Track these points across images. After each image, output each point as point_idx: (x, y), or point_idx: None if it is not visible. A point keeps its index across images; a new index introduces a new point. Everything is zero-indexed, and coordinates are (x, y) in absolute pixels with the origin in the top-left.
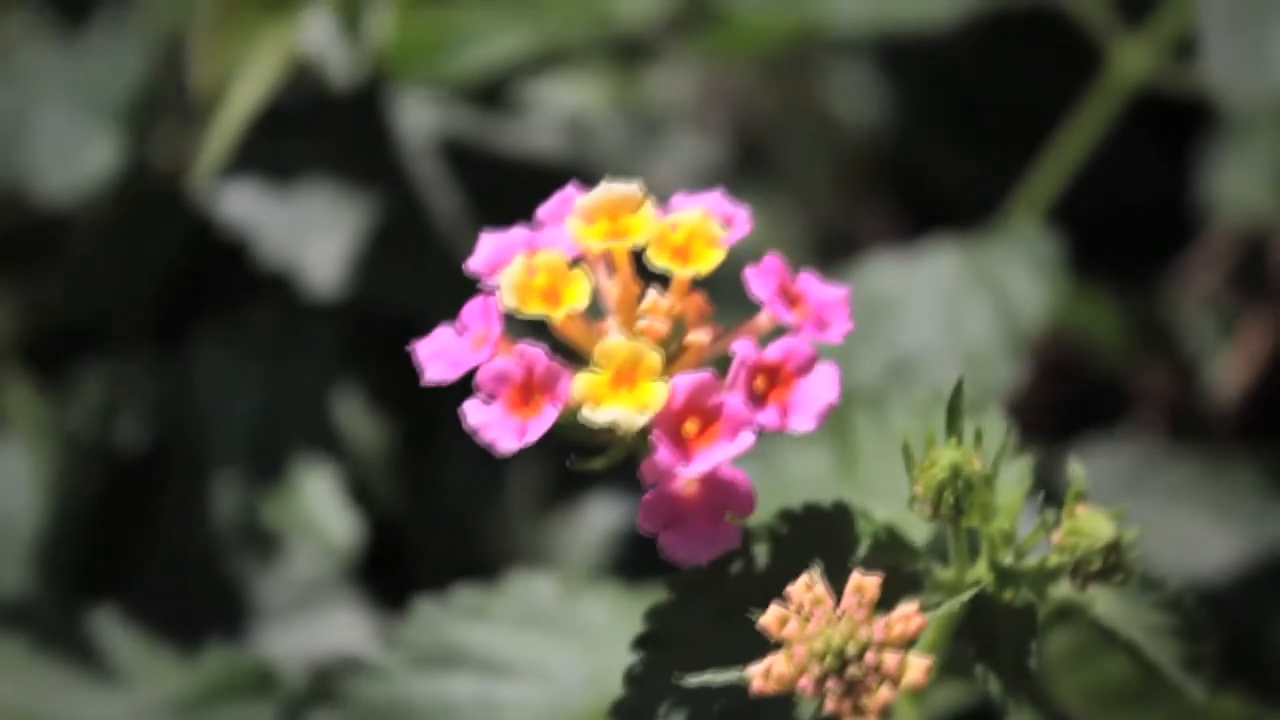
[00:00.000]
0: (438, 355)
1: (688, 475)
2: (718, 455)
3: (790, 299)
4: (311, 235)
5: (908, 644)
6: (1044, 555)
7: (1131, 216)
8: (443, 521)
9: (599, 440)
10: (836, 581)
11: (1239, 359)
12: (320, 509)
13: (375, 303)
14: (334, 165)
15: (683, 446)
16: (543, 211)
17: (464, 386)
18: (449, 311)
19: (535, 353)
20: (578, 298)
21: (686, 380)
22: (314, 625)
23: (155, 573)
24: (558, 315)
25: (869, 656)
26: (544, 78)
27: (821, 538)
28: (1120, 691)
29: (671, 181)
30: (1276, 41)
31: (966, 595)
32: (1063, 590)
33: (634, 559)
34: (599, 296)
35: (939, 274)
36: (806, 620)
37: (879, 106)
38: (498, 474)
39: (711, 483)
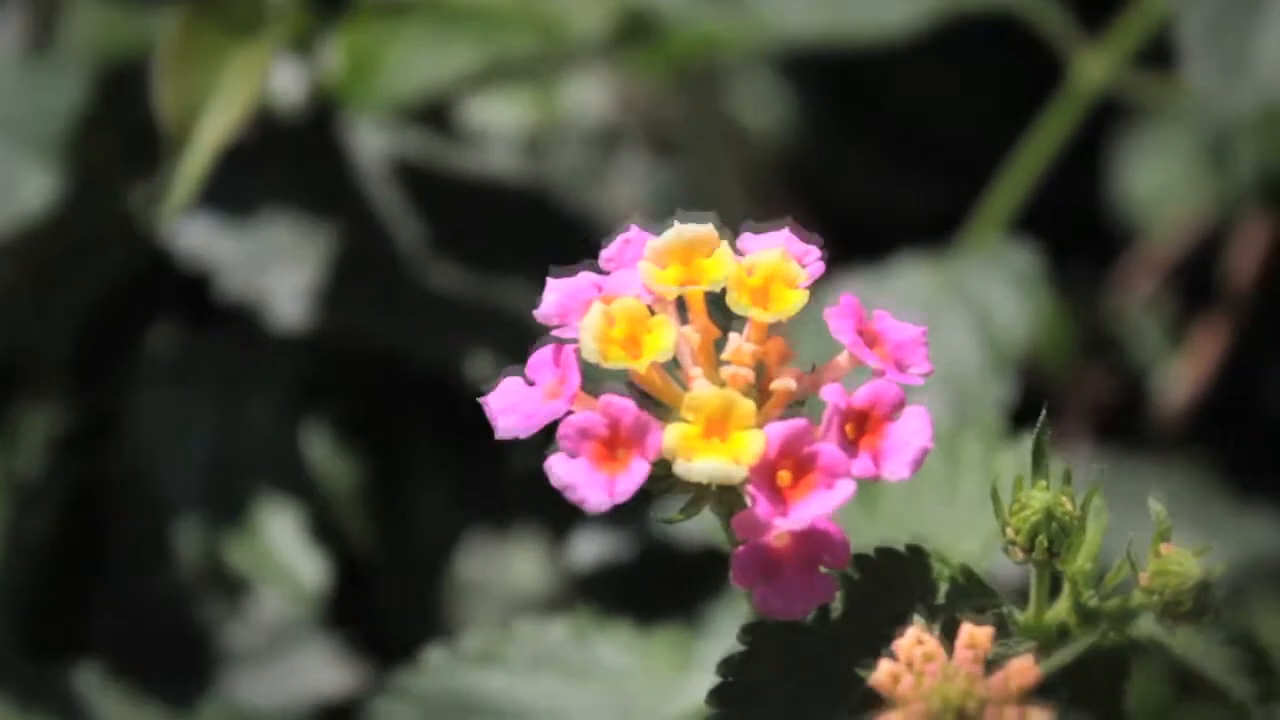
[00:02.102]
0: (510, 409)
1: (787, 528)
2: (818, 507)
3: (869, 339)
4: (274, 266)
5: (1025, 697)
6: (1126, 594)
7: (1068, 220)
8: (415, 560)
9: (676, 491)
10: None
11: (1188, 365)
12: (286, 551)
13: (341, 334)
14: (291, 194)
15: (778, 498)
16: (606, 255)
17: (430, 419)
18: (417, 341)
19: (623, 404)
20: (661, 346)
21: (780, 429)
22: (286, 670)
23: (115, 620)
24: (641, 365)
25: (989, 713)
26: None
27: (898, 582)
28: None
29: (631, 203)
30: (1257, 49)
31: (1081, 645)
32: (1142, 629)
33: (621, 594)
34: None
35: (911, 293)
36: (919, 676)
37: (785, 116)
38: (471, 510)
39: (805, 534)
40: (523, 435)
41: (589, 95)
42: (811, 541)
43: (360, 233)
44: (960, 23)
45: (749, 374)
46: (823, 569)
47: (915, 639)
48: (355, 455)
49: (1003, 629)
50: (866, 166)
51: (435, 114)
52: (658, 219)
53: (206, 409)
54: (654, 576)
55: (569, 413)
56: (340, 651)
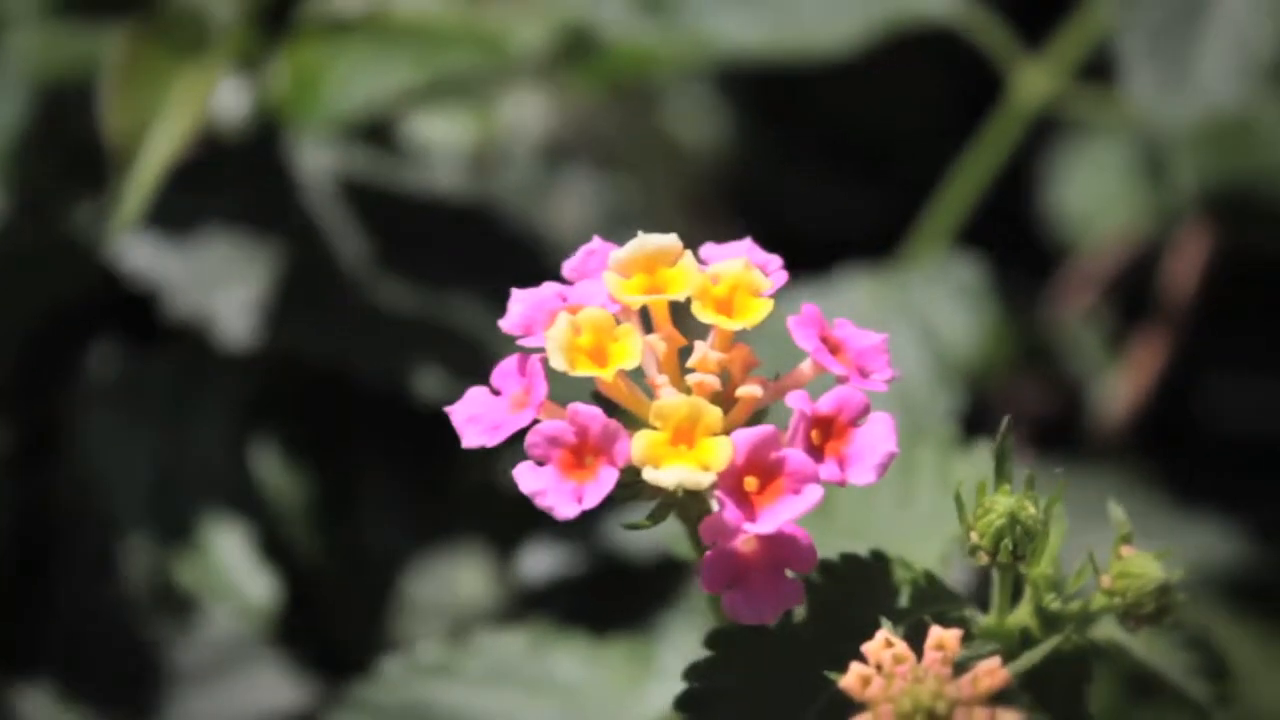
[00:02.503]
0: (475, 419)
1: (754, 533)
2: (786, 512)
3: (832, 347)
4: (220, 285)
5: (993, 698)
6: (1086, 598)
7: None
8: (363, 576)
9: (642, 498)
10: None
11: (1127, 377)
12: (234, 568)
13: (288, 351)
14: (237, 213)
15: (746, 504)
16: (569, 267)
17: (378, 436)
18: (364, 358)
19: (591, 412)
20: (628, 355)
21: (748, 435)
22: (236, 687)
23: (63, 639)
24: (607, 374)
25: (959, 714)
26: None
27: (860, 588)
28: None
29: (576, 219)
30: (1198, 62)
31: (1047, 647)
32: (1101, 631)
33: (572, 606)
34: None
35: (856, 306)
36: (889, 678)
37: (720, 130)
38: (419, 525)
39: (772, 540)
40: (489, 445)
41: (527, 112)
42: (779, 547)
43: (306, 250)
44: (897, 37)
45: (715, 382)
46: (789, 574)
47: (884, 642)
48: (304, 472)
49: (965, 633)
50: (802, 180)
51: (379, 132)
52: (605, 235)
53: (151, 427)
54: (604, 588)
55: (535, 422)
56: (290, 668)
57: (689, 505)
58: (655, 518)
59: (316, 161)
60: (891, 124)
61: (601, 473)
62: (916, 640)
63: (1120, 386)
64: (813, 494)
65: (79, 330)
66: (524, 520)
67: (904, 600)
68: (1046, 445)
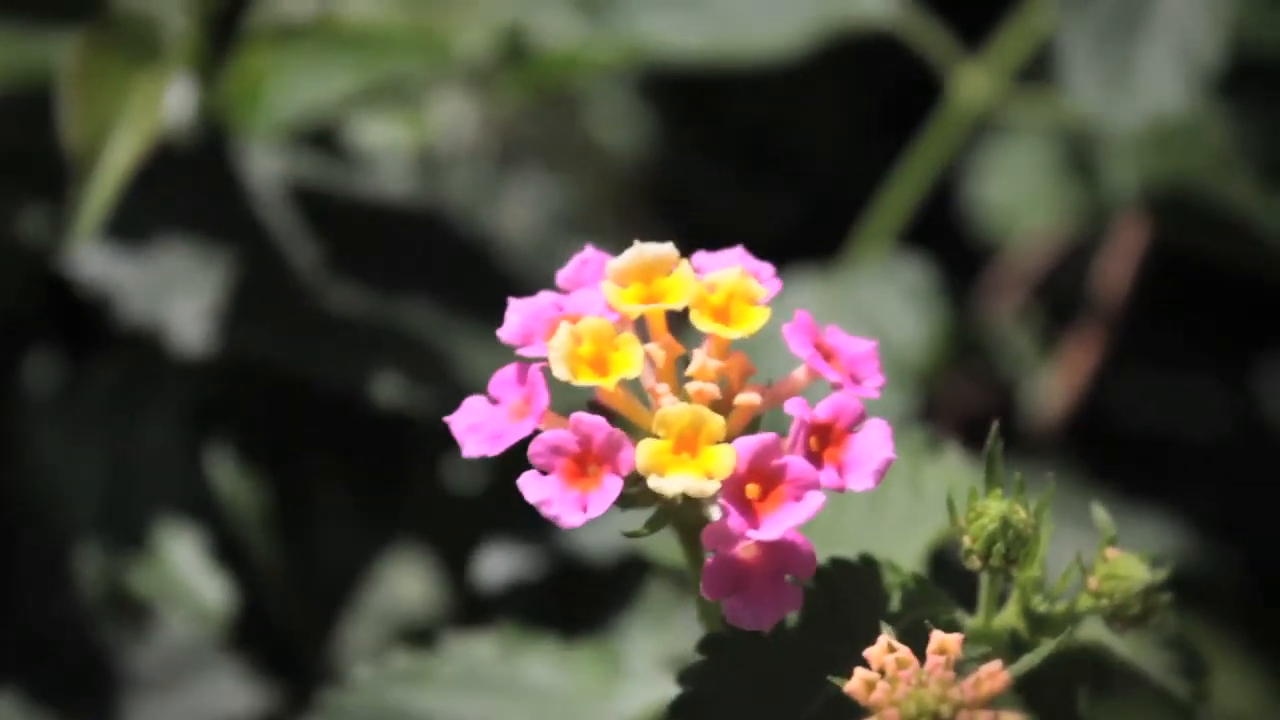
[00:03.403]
0: (475, 429)
1: (758, 540)
2: (789, 519)
3: (825, 354)
4: (173, 291)
5: (994, 701)
6: (1072, 599)
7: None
8: (318, 581)
9: (639, 505)
10: (873, 637)
11: (1059, 376)
12: (188, 574)
13: (242, 357)
14: (188, 219)
15: (749, 511)
16: (564, 276)
17: (333, 442)
18: (319, 364)
19: (595, 422)
20: (629, 365)
21: (750, 443)
22: (193, 693)
23: (17, 645)
24: (609, 383)
25: (963, 716)
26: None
27: (852, 593)
28: None
29: (526, 223)
30: (1139, 64)
31: (1046, 649)
32: (1085, 632)
33: (531, 611)
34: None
35: (803, 308)
36: (894, 682)
37: (643, 133)
38: (375, 531)
39: (774, 546)
40: (491, 454)
41: (456, 116)
42: (780, 553)
43: (258, 256)
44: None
45: (715, 390)
46: (789, 580)
47: (886, 646)
48: (259, 478)
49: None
50: (725, 183)
51: (327, 137)
52: (551, 239)
53: (100, 434)
54: (563, 591)
55: (536, 431)
56: (246, 674)
57: (686, 513)
58: (654, 525)
59: (265, 167)
60: (814, 127)
61: (606, 481)
62: (909, 643)
63: (1053, 385)
64: (814, 500)
65: (21, 339)
66: (478, 526)
67: (895, 604)
68: (980, 444)
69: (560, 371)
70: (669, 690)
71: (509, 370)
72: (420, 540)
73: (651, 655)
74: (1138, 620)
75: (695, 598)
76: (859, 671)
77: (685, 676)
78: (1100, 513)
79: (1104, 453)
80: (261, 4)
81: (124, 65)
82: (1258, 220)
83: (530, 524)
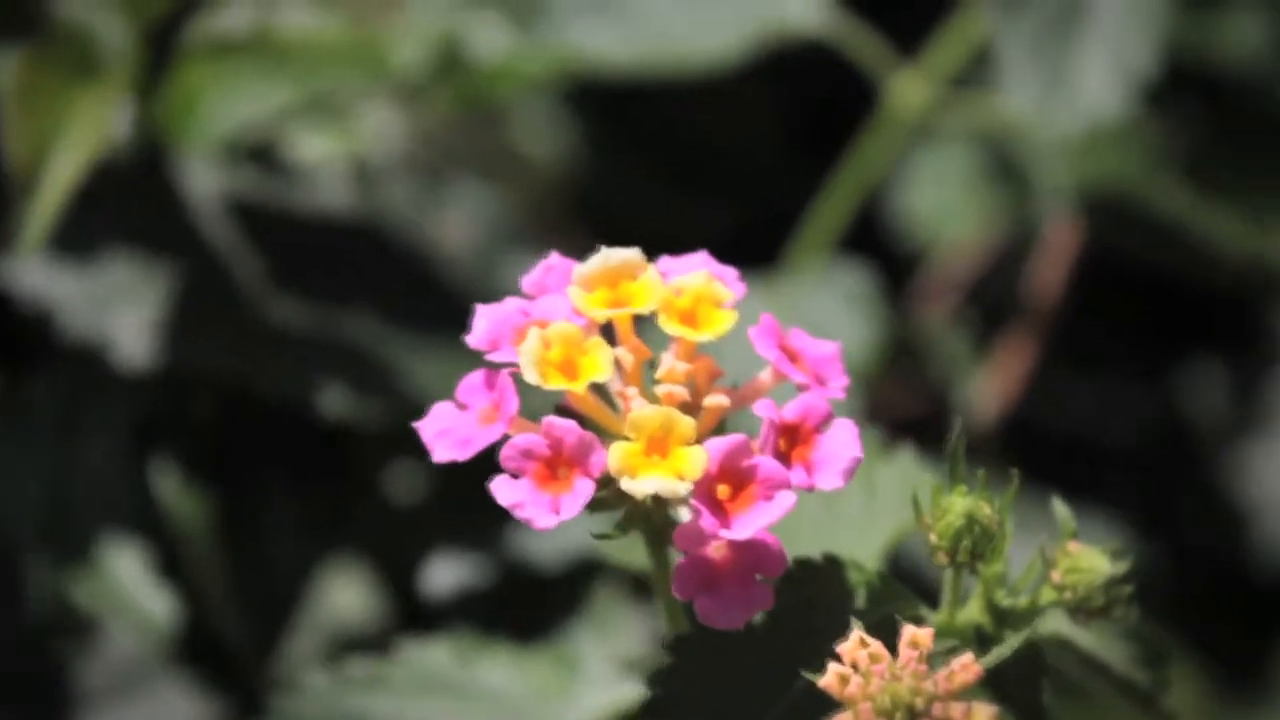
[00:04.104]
0: (443, 434)
1: (731, 539)
2: (761, 518)
3: (789, 356)
4: (117, 306)
5: (965, 693)
6: (1034, 593)
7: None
8: (266, 594)
9: (606, 508)
10: (839, 634)
11: (994, 380)
12: (133, 588)
13: (187, 371)
14: (129, 234)
15: (720, 511)
16: (529, 281)
17: (280, 455)
18: (264, 377)
19: (566, 426)
20: (598, 369)
21: (720, 444)
22: (141, 707)
23: None
24: (578, 387)
25: (936, 709)
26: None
27: (817, 591)
28: None
29: (465, 235)
30: (1077, 69)
31: (1016, 641)
32: (1049, 626)
33: (480, 619)
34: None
35: (745, 314)
36: (867, 677)
37: (566, 145)
38: (322, 544)
39: (743, 546)
40: (460, 459)
41: (382, 128)
42: (751, 552)
43: (199, 270)
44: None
45: (684, 392)
46: (760, 579)
47: (859, 641)
48: (205, 491)
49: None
50: (649, 193)
51: (264, 151)
52: (490, 250)
53: (42, 449)
54: (510, 598)
55: (506, 436)
56: (194, 687)
57: (655, 515)
58: (624, 527)
59: (204, 182)
60: (743, 137)
61: (577, 484)
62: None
63: (986, 389)
64: (785, 500)
65: None
66: (420, 535)
67: (860, 601)
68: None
69: (531, 376)
70: (625, 693)
71: (476, 376)
72: (362, 551)
73: (603, 660)
74: (1101, 612)
75: (660, 600)
76: (832, 666)
77: (654, 677)
78: (1060, 507)
79: (1034, 454)
80: (198, 19)
81: (66, 81)
82: (1189, 224)
83: (474, 533)
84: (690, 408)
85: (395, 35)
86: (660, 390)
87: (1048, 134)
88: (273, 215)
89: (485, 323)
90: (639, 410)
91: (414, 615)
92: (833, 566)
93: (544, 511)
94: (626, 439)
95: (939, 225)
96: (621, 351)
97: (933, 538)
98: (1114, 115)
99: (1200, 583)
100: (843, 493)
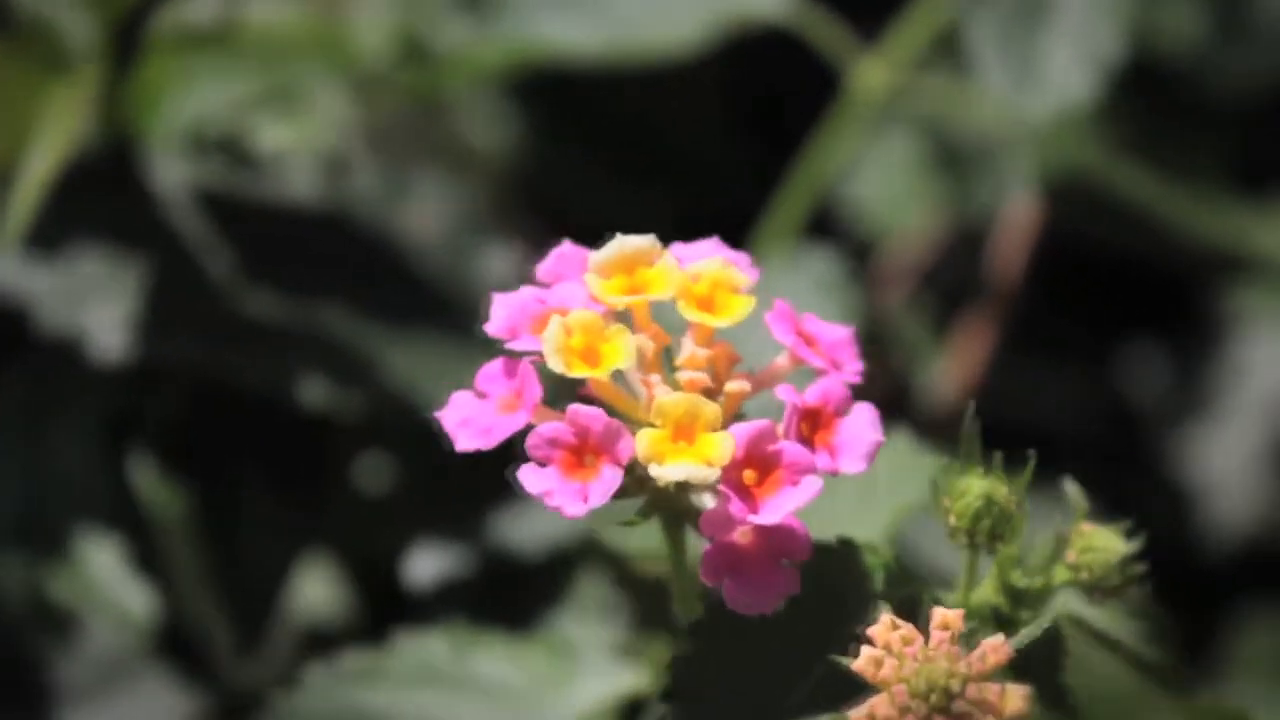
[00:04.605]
0: (465, 423)
1: (760, 524)
2: (789, 503)
3: (806, 341)
4: (90, 300)
5: (998, 674)
6: (1047, 573)
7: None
8: (244, 587)
9: (629, 495)
10: (860, 617)
11: (954, 363)
12: (110, 582)
13: (163, 364)
14: (101, 228)
15: (748, 496)
16: (542, 270)
17: (258, 448)
18: (240, 369)
19: (592, 413)
20: (620, 356)
21: (746, 429)
22: (121, 702)
23: None
24: (602, 374)
25: (970, 690)
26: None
27: (834, 575)
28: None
29: (430, 224)
30: (1046, 56)
31: (1045, 621)
32: (1063, 605)
33: (463, 607)
34: None
35: None
36: (901, 659)
37: (512, 134)
38: (299, 537)
39: (769, 531)
40: (484, 449)
41: (329, 118)
42: (777, 537)
43: (171, 263)
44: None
45: (706, 378)
46: (786, 563)
47: (890, 624)
48: (182, 485)
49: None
50: (597, 183)
51: (230, 142)
52: (456, 239)
53: (14, 445)
54: (492, 588)
55: (529, 425)
56: (174, 681)
57: (677, 501)
58: (646, 514)
59: (172, 174)
60: (691, 125)
61: (605, 471)
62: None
63: (946, 374)
64: (812, 485)
65: None
66: (394, 527)
67: (878, 584)
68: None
69: (554, 363)
70: (624, 680)
71: (495, 364)
72: (337, 544)
73: (597, 647)
74: (1116, 591)
75: (676, 585)
76: (865, 650)
77: (675, 662)
78: (1072, 486)
79: (1001, 443)
80: (165, 11)
81: (38, 75)
82: (1153, 207)
83: (453, 523)
84: (711, 394)
85: (359, 25)
86: (682, 376)
87: (1019, 121)
88: (241, 207)
89: (503, 311)
90: (665, 396)
91: (393, 607)
92: (848, 549)
93: (573, 499)
94: (648, 425)
95: (889, 213)
96: (642, 338)
97: (951, 519)
98: (1083, 102)
99: (1147, 565)
100: (838, 478)
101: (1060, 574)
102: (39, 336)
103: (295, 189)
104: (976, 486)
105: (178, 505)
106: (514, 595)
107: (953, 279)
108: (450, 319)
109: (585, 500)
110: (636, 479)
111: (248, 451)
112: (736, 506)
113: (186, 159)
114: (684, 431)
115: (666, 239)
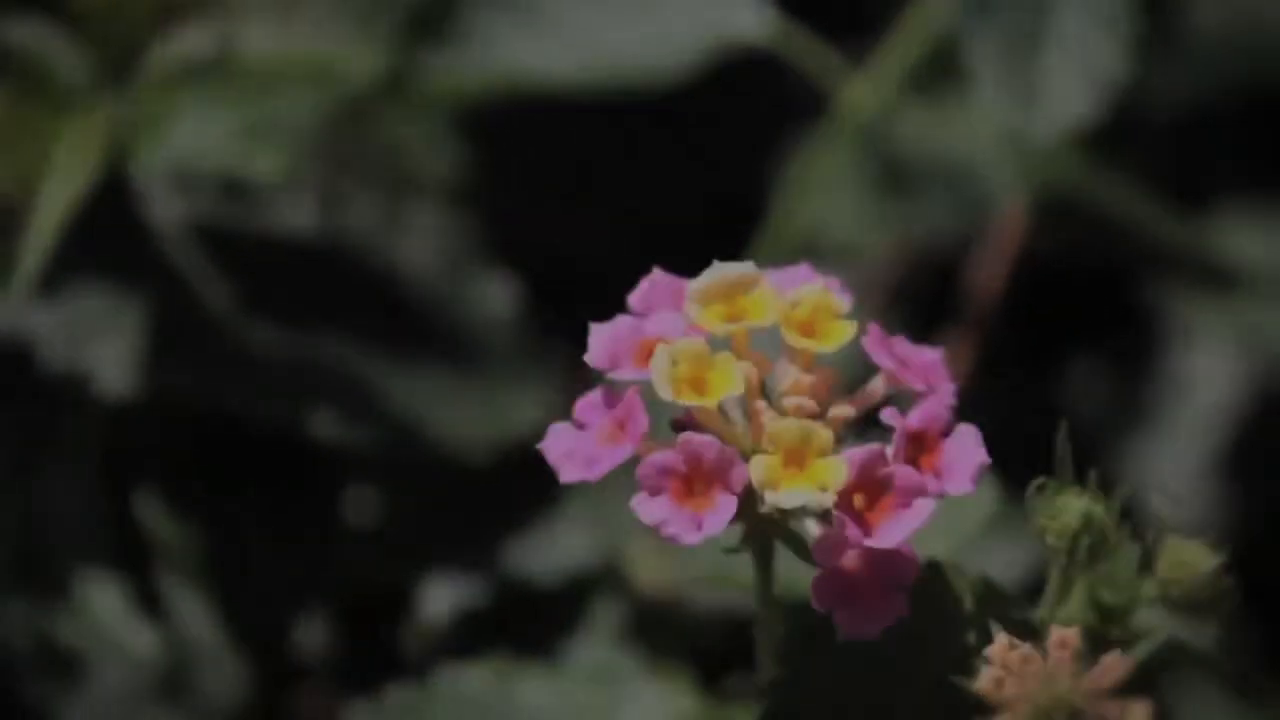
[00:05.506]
0: (569, 455)
1: (877, 548)
2: (905, 526)
3: (901, 364)
4: (94, 337)
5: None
6: (1135, 589)
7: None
8: (251, 625)
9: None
10: (952, 639)
11: None
12: (115, 622)
13: (168, 399)
14: (100, 264)
15: (861, 521)
16: (636, 299)
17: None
18: (245, 402)
19: (704, 441)
20: (729, 384)
21: (858, 454)
22: None
23: None
24: (711, 402)
25: (1094, 707)
26: None
27: (923, 596)
28: None
29: (425, 254)
30: (1047, 76)
31: (1159, 637)
32: (1151, 620)
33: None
34: None
35: None
36: (1023, 679)
37: (456, 159)
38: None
39: (880, 555)
40: (590, 479)
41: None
42: (888, 562)
43: (172, 297)
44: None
45: (813, 404)
46: (896, 587)
47: (1008, 644)
48: (187, 522)
49: (1032, 632)
50: (547, 210)
51: (224, 175)
52: (451, 270)
53: (13, 485)
54: (508, 619)
55: (635, 455)
56: None
57: (778, 527)
58: (746, 540)
59: (169, 208)
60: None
61: (719, 500)
62: (986, 643)
63: None
64: (925, 507)
65: None
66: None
67: (969, 604)
68: None
69: (664, 393)
70: (668, 707)
71: (595, 394)
72: (345, 578)
73: (639, 675)
74: (1206, 607)
75: (760, 613)
76: (986, 670)
77: (771, 689)
78: (1160, 501)
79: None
80: (159, 46)
81: (37, 114)
82: (1136, 220)
83: (468, 554)
84: (816, 419)
85: (348, 55)
86: (789, 402)
87: (1028, 140)
88: (238, 240)
89: (602, 341)
90: (777, 424)
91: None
92: (936, 571)
93: (688, 528)
94: (757, 452)
95: (851, 230)
96: (747, 366)
97: (1050, 538)
98: (1085, 121)
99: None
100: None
101: (1149, 589)
102: (41, 375)
103: (291, 220)
104: (1075, 505)
105: (182, 542)
106: (530, 625)
107: (923, 295)
108: (448, 349)
109: (700, 529)
110: (740, 506)
111: (252, 487)
112: (852, 532)
113: (182, 192)
114: (795, 458)
115: (641, 267)
